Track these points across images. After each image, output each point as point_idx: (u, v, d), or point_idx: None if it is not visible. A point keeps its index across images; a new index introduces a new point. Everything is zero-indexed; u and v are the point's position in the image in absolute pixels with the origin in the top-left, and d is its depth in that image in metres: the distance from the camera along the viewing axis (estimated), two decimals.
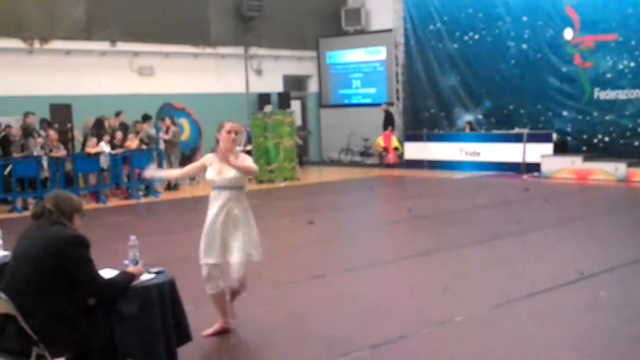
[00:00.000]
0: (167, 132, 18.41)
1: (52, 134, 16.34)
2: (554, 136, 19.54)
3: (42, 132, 16.59)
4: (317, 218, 12.87)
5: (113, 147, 16.84)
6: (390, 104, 24.15)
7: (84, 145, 16.67)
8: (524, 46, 20.75)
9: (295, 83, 26.01)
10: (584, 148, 19.55)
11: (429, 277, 8.49)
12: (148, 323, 4.59)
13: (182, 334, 4.89)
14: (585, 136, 19.73)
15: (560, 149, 19.41)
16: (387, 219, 13.44)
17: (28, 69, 18.77)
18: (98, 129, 17.50)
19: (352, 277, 8.59)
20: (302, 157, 23.96)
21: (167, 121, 18.54)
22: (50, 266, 4.38)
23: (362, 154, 24.72)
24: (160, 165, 17.62)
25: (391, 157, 23.03)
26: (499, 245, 10.22)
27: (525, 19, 20.64)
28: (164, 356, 4.64)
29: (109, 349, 4.57)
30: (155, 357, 4.60)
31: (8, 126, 16.12)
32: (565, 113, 20.12)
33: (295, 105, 24.80)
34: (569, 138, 19.99)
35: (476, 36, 21.74)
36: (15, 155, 15.39)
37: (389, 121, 23.27)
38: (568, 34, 19.86)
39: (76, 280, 4.43)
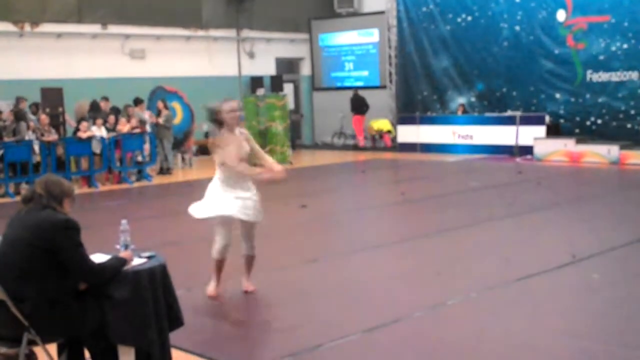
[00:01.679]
0: (159, 115, 18.32)
1: (44, 118, 16.26)
2: (547, 119, 19.54)
3: (32, 116, 16.51)
4: (309, 202, 12.87)
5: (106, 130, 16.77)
6: (383, 86, 24.13)
7: (78, 129, 16.58)
8: (517, 28, 20.69)
9: (287, 66, 25.92)
10: (577, 130, 19.55)
11: (421, 260, 8.49)
12: (139, 308, 4.56)
13: (174, 319, 4.87)
14: (578, 118, 19.74)
15: (553, 131, 19.41)
16: (380, 203, 13.43)
17: (19, 52, 18.64)
18: (95, 112, 17.43)
19: (345, 261, 8.59)
20: (295, 140, 23.94)
21: (160, 104, 18.46)
22: (41, 250, 4.35)
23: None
24: (153, 149, 17.58)
25: (361, 141, 23.54)
26: (491, 228, 10.24)
27: (518, 0, 20.57)
28: (156, 341, 4.62)
29: (101, 334, 4.55)
30: (147, 342, 4.58)
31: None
32: (558, 95, 20.10)
33: (288, 88, 24.71)
34: (561, 120, 19.99)
35: (469, 18, 21.66)
36: (7, 139, 15.31)
37: (358, 105, 23.41)
38: (561, 15, 19.81)
39: (66, 265, 4.41)
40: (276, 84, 23.54)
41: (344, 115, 24.41)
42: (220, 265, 6.85)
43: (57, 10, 19.40)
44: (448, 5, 22.07)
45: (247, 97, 20.52)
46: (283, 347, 5.70)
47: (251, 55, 24.11)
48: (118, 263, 4.63)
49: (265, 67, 24.34)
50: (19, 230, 4.46)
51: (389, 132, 23.23)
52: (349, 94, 24.45)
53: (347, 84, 25.47)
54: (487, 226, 10.33)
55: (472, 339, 5.70)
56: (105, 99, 18.17)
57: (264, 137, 19.39)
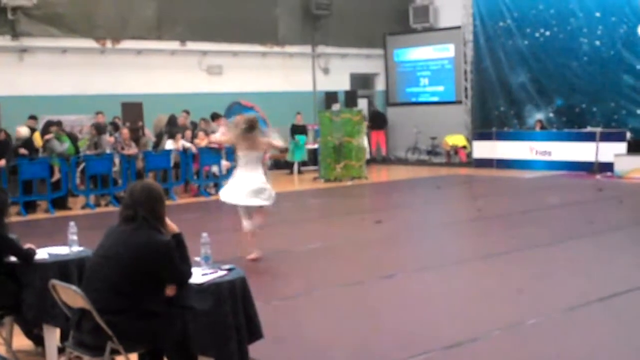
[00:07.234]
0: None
1: (125, 132, 16.64)
2: (628, 135, 19.06)
3: (113, 131, 16.90)
4: (385, 217, 12.79)
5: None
6: (459, 102, 23.96)
7: (157, 143, 16.86)
8: (597, 42, 20.28)
9: (362, 81, 25.94)
10: None
11: (500, 278, 8.34)
12: (220, 320, 4.60)
13: (254, 331, 4.89)
14: None
15: (635, 148, 18.89)
16: (456, 219, 13.27)
17: (100, 68, 19.13)
18: (171, 126, 17.75)
19: (421, 277, 8.51)
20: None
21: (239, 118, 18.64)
22: (140, 272, 4.41)
23: (429, 152, 24.51)
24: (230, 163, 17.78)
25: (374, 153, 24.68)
26: (572, 246, 10.00)
27: (598, 14, 20.18)
28: (235, 353, 4.65)
29: (183, 345, 4.60)
30: (228, 354, 4.61)
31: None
32: (639, 111, 19.61)
33: (363, 103, 24.75)
34: None
35: (547, 33, 21.34)
36: (88, 152, 15.70)
37: (378, 120, 24.52)
38: None
39: (167, 281, 4.54)
40: (350, 99, 23.60)
41: (419, 131, 24.28)
42: None
43: (137, 27, 19.88)
44: (526, 20, 21.79)
45: (321, 112, 20.58)
46: None
47: (326, 71, 24.23)
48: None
49: (340, 83, 24.41)
50: (119, 247, 4.49)
51: (464, 147, 23.01)
52: (424, 109, 24.37)
53: (422, 99, 25.34)
54: (567, 244, 10.09)
55: None
56: (186, 112, 18.44)
57: (338, 153, 19.39)
